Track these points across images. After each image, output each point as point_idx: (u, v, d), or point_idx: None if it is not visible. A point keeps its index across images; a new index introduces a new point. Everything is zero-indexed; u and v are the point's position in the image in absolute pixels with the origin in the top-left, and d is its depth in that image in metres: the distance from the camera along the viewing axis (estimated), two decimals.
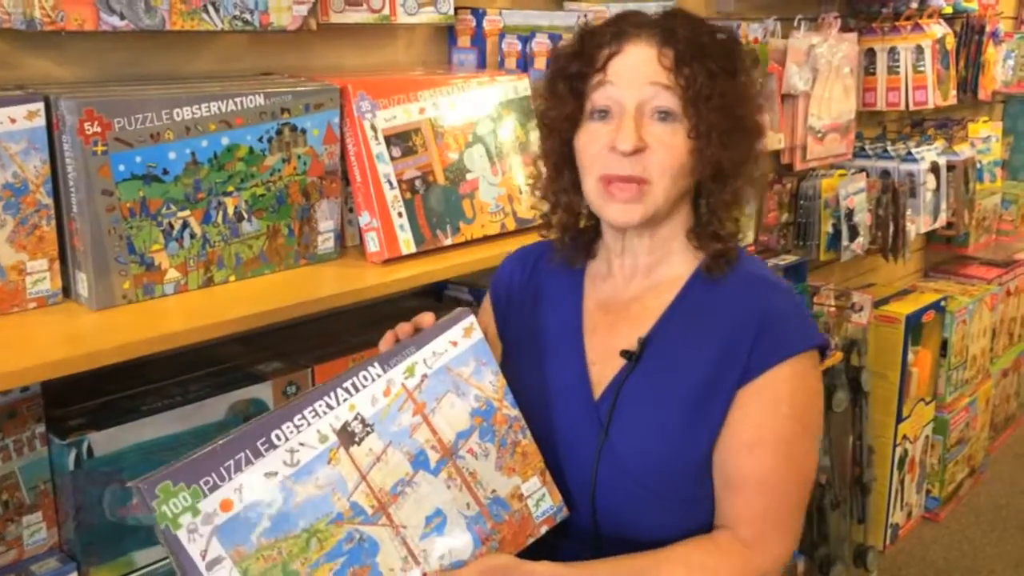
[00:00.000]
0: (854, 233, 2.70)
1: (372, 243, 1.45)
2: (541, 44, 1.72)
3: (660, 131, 1.11)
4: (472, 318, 1.11)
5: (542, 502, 1.12)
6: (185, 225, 1.28)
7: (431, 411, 1.07)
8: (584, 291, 1.25)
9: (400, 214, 1.45)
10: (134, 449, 1.27)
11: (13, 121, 1.14)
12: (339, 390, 1.03)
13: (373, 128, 1.43)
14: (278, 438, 0.99)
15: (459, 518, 1.06)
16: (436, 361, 1.08)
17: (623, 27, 1.13)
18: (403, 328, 1.12)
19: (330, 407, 1.02)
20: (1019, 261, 3.74)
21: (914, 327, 2.95)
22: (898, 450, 2.95)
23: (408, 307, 1.78)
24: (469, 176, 1.55)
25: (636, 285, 1.20)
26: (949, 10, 2.98)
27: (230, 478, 0.96)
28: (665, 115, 1.10)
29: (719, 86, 1.11)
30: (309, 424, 1.00)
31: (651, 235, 1.18)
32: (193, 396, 1.34)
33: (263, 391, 1.40)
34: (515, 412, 1.12)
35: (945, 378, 3.16)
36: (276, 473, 0.98)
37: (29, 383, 1.17)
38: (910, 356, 2.96)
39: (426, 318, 1.12)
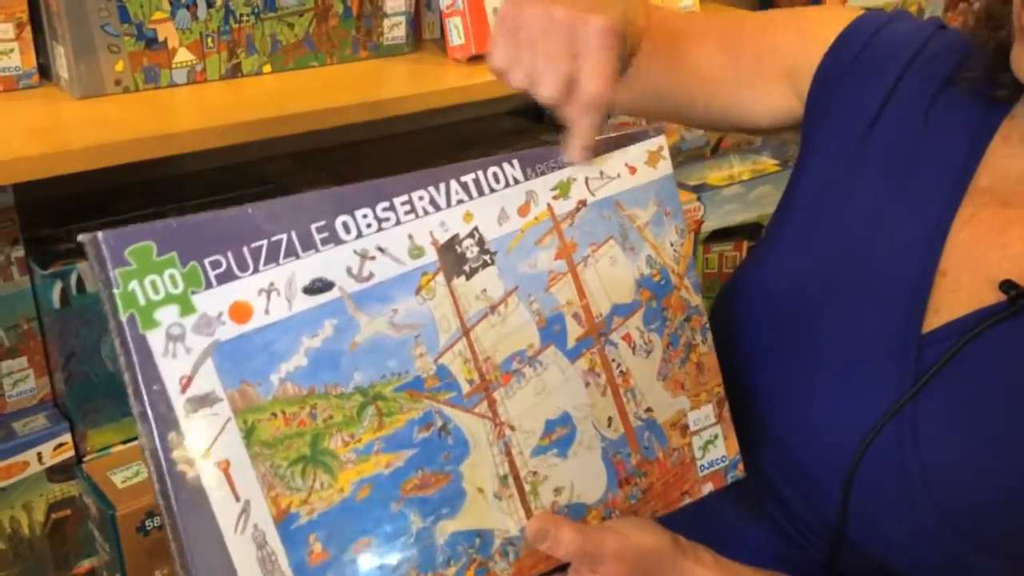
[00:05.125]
0: None
1: (455, 34, 1.10)
2: None
3: None
4: (663, 140, 0.68)
5: (712, 447, 0.70)
6: None
7: (582, 260, 0.65)
8: (988, 148, 0.72)
9: None
10: None
11: None
12: (453, 182, 0.61)
13: None
14: (346, 228, 0.57)
15: (594, 437, 0.66)
16: (602, 188, 0.66)
17: None
18: None
19: (436, 206, 0.60)
20: None
21: None
22: None
23: (501, 128, 1.43)
24: None
25: None
26: None
27: (256, 269, 0.54)
28: None
29: None
30: (399, 221, 0.59)
31: None
32: None
33: None
34: (698, 300, 0.70)
35: None
36: (332, 284, 0.57)
37: None
38: None
39: None
